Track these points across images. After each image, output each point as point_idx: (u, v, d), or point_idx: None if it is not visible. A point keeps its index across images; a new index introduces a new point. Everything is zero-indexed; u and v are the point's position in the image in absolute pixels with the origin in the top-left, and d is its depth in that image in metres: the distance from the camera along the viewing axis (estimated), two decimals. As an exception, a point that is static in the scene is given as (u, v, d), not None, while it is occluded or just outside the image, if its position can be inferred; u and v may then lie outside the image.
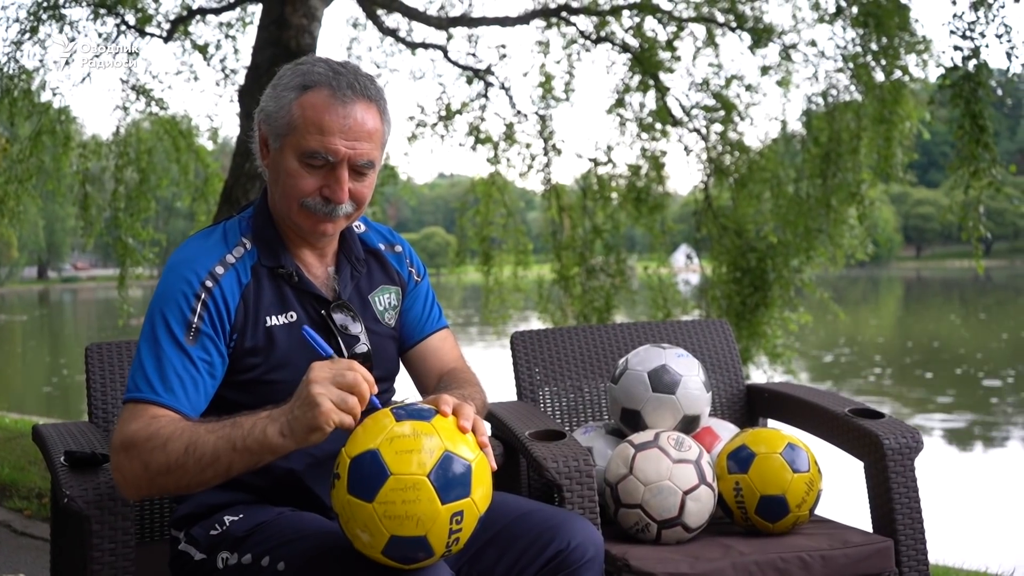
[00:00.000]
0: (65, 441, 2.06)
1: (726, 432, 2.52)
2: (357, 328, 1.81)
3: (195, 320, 1.66)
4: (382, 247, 1.94)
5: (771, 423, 2.78)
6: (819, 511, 2.34)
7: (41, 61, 7.87)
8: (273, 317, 1.74)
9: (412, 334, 1.96)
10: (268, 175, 1.78)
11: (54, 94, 8.17)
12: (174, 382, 1.62)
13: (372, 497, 1.40)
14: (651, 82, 8.59)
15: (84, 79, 8.01)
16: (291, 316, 1.75)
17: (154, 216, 9.61)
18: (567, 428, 2.66)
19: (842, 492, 2.97)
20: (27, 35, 7.63)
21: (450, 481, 1.41)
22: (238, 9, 8.16)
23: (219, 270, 1.71)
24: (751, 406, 2.84)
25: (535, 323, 9.32)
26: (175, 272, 1.70)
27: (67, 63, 7.92)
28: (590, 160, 9.16)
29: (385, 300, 1.90)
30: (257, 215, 1.81)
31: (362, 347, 1.81)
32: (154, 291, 1.72)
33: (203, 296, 1.68)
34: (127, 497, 1.63)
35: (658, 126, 8.79)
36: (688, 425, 2.44)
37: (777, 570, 2.07)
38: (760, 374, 8.91)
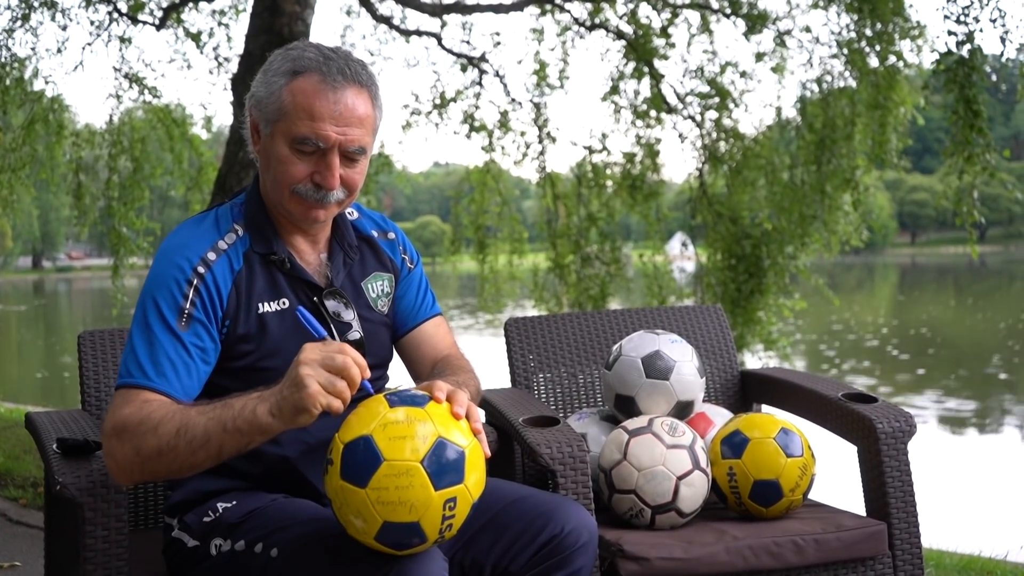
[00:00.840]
0: (58, 428, 2.06)
1: (720, 417, 2.52)
2: (350, 315, 1.81)
3: (187, 306, 1.66)
4: (375, 234, 1.94)
5: (765, 408, 2.79)
6: (812, 495, 2.35)
7: (33, 49, 7.85)
8: (265, 304, 1.74)
9: (406, 321, 1.96)
10: (259, 161, 1.77)
11: (47, 82, 8.15)
12: (166, 367, 1.62)
13: (365, 483, 1.40)
14: (645, 69, 8.57)
15: (77, 67, 8.00)
16: (283, 303, 1.75)
17: (148, 205, 9.58)
18: (561, 414, 2.67)
19: (835, 476, 2.97)
20: (19, 23, 7.59)
21: (443, 467, 1.41)
22: (231, -4, 8.12)
23: (211, 256, 1.71)
24: (745, 391, 2.84)
25: (530, 311, 9.33)
26: (167, 258, 1.70)
27: (59, 51, 7.91)
28: (585, 148, 9.16)
29: (378, 287, 1.89)
30: (249, 202, 1.81)
31: (355, 334, 1.81)
32: (146, 277, 1.71)
33: (195, 282, 1.68)
34: (119, 483, 1.63)
35: (653, 113, 8.78)
36: (682, 411, 2.45)
37: (771, 554, 2.07)
38: (756, 361, 8.92)
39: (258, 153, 1.76)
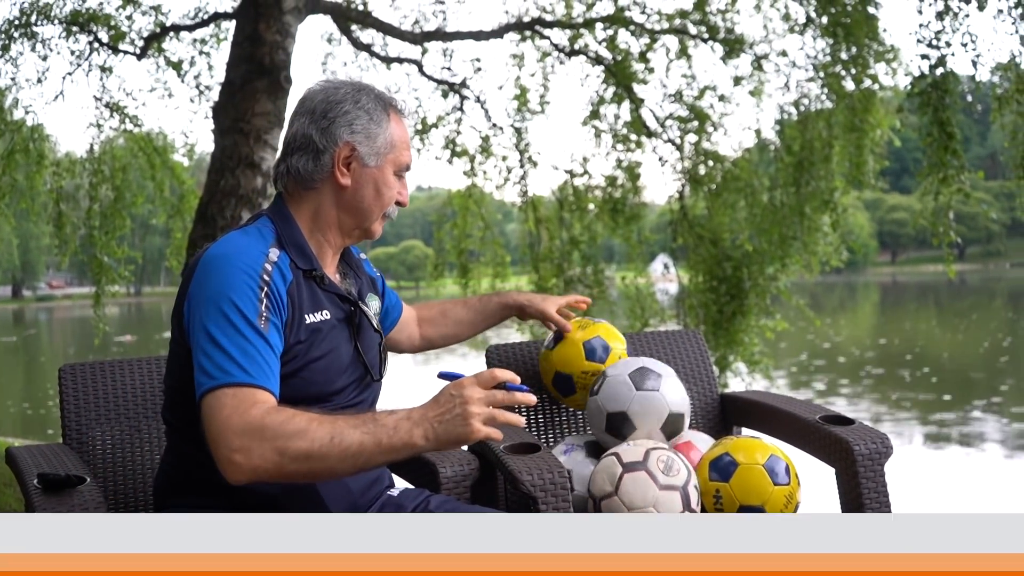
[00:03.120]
0: (39, 463, 2.06)
1: (702, 444, 2.52)
2: (373, 323, 1.94)
3: (262, 309, 1.69)
4: (361, 256, 2.08)
5: (745, 431, 2.80)
6: (793, 518, 2.36)
7: (13, 79, 7.85)
8: (310, 315, 1.80)
9: (392, 321, 2.25)
10: (339, 189, 1.85)
11: (27, 112, 8.14)
12: (263, 366, 1.64)
13: None
14: (625, 94, 8.65)
15: (57, 97, 7.99)
16: (325, 314, 1.82)
17: (129, 234, 9.57)
18: (543, 441, 2.68)
19: (814, 498, 2.99)
20: (-1, 53, 7.60)
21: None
22: (212, 26, 8.15)
23: (268, 266, 1.75)
24: (725, 415, 2.85)
25: (514, 335, 9.34)
26: (230, 262, 1.71)
27: (39, 80, 7.91)
28: (566, 172, 9.21)
29: (375, 305, 2.01)
30: (280, 224, 1.84)
31: (377, 338, 1.95)
32: (201, 283, 1.70)
33: (264, 288, 1.71)
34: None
35: (633, 137, 8.85)
36: (674, 424, 2.40)
37: (752, 578, 2.08)
38: (739, 382, 8.95)
39: (347, 185, 1.84)
